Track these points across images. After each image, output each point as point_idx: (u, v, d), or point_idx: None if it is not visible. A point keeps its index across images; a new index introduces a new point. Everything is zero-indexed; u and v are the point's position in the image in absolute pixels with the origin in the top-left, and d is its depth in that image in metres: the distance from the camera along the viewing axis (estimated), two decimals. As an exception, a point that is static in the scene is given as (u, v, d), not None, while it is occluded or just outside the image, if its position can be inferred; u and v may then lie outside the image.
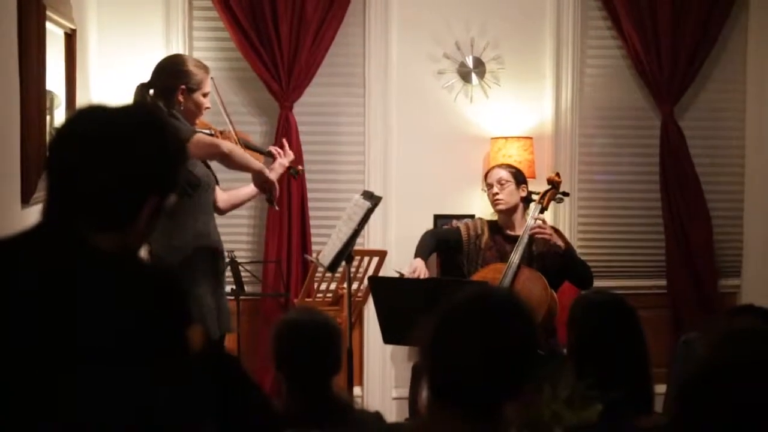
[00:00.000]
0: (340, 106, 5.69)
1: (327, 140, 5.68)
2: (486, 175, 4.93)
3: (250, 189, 4.36)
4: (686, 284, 5.80)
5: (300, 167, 4.72)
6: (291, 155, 4.44)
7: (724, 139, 5.96)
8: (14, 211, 3.67)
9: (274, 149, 4.47)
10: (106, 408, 1.61)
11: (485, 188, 4.93)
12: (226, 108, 4.38)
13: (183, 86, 4.00)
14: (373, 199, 4.29)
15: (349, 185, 5.57)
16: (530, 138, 5.64)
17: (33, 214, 3.74)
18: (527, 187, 4.89)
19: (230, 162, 4.06)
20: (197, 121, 4.16)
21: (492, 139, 5.65)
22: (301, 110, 5.54)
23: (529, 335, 1.93)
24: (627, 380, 2.68)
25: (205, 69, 4.12)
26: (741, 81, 5.90)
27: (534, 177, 5.44)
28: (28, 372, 1.63)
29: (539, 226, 4.66)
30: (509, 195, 4.80)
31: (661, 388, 3.19)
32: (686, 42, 5.68)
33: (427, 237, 4.98)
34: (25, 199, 3.75)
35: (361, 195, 4.39)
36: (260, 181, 4.15)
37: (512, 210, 4.81)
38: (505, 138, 5.60)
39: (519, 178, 4.86)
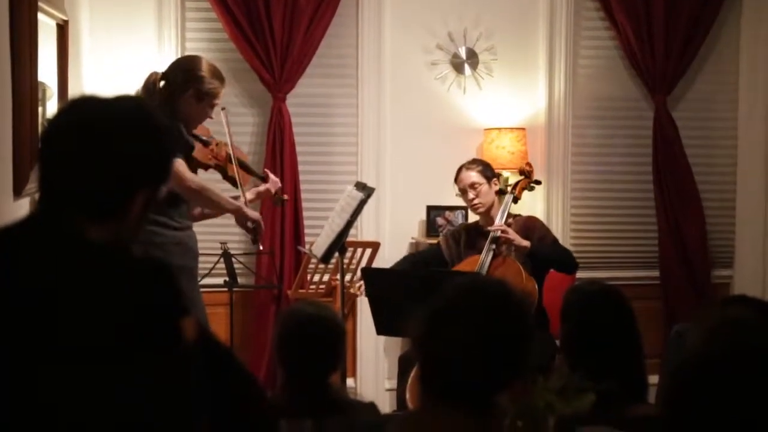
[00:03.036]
0: (333, 98, 5.68)
1: (320, 131, 5.67)
2: (456, 180, 4.86)
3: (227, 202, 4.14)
4: (679, 275, 5.81)
5: (286, 197, 4.63)
6: (277, 183, 4.38)
7: (716, 129, 5.97)
8: (6, 203, 3.66)
9: (268, 173, 4.41)
10: (98, 402, 1.60)
11: (458, 193, 4.91)
12: (231, 138, 4.23)
13: (193, 91, 3.94)
14: (366, 190, 4.29)
15: (342, 176, 5.57)
16: (523, 129, 5.64)
17: (25, 206, 3.75)
18: (498, 180, 4.88)
19: (198, 200, 4.00)
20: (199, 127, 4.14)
21: (485, 130, 5.65)
22: (294, 101, 5.53)
23: (522, 325, 1.93)
24: (620, 371, 2.69)
25: (221, 81, 4.04)
26: (734, 72, 5.91)
27: (528, 168, 5.46)
28: (19, 365, 1.62)
29: (502, 231, 4.61)
30: (485, 196, 4.77)
31: (654, 379, 3.20)
32: (679, 33, 5.69)
33: (402, 262, 4.96)
34: (17, 191, 3.74)
35: (354, 186, 4.39)
36: (242, 220, 4.10)
37: (490, 208, 4.80)
38: (498, 129, 5.60)
39: (488, 174, 4.81)
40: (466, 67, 5.69)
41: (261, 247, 4.36)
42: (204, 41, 5.52)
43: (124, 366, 1.61)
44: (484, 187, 4.76)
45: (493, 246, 4.62)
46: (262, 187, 4.35)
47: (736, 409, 1.60)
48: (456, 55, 5.68)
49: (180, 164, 3.84)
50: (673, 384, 1.70)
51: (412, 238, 5.66)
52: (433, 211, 5.65)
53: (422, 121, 5.70)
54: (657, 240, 5.86)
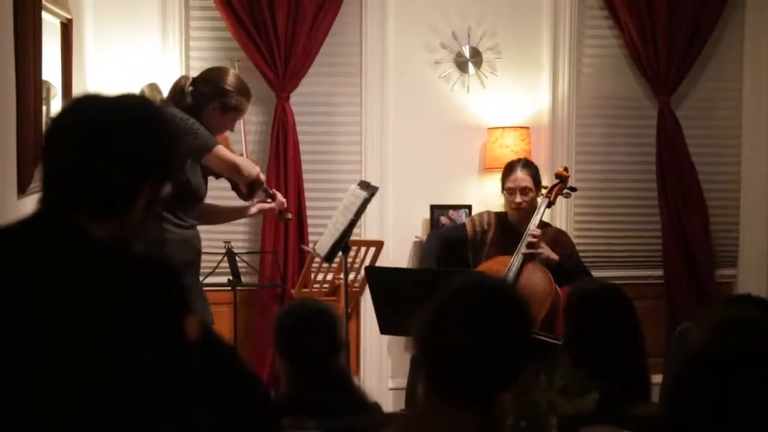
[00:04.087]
0: (337, 96, 5.68)
1: (323, 130, 5.67)
2: (506, 178, 4.90)
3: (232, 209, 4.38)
4: (683, 274, 5.81)
5: (290, 215, 4.65)
6: (283, 203, 4.42)
7: (720, 128, 5.96)
8: (11, 201, 3.67)
9: (275, 192, 4.48)
10: (99, 401, 1.61)
11: (504, 191, 4.92)
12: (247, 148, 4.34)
13: (218, 103, 4.00)
14: (370, 189, 4.29)
15: (346, 175, 5.57)
16: (527, 128, 5.64)
17: (29, 204, 3.75)
18: (541, 186, 4.92)
19: (239, 177, 4.10)
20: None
21: (489, 128, 5.65)
22: (297, 100, 5.53)
23: (523, 324, 1.93)
24: (623, 370, 2.69)
25: (247, 97, 4.11)
26: (737, 71, 5.90)
27: (530, 167, 5.46)
28: (19, 364, 1.63)
29: (534, 242, 4.65)
30: (531, 202, 4.84)
31: (657, 378, 3.20)
32: (683, 32, 5.68)
33: (431, 243, 5.01)
34: (22, 189, 3.75)
35: (358, 185, 4.39)
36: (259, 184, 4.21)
37: (530, 212, 4.83)
38: (502, 128, 5.59)
39: (537, 180, 4.90)
40: (470, 65, 5.69)
41: (289, 216, 4.54)
42: (208, 40, 5.53)
43: (125, 365, 1.61)
44: (532, 194, 4.83)
45: (524, 250, 4.64)
46: (267, 206, 4.39)
47: (739, 407, 1.60)
48: (460, 54, 5.68)
49: (224, 150, 3.98)
50: (675, 383, 1.70)
51: (416, 236, 5.66)
52: (436, 210, 5.65)
53: (426, 119, 5.70)
54: (660, 239, 5.85)
